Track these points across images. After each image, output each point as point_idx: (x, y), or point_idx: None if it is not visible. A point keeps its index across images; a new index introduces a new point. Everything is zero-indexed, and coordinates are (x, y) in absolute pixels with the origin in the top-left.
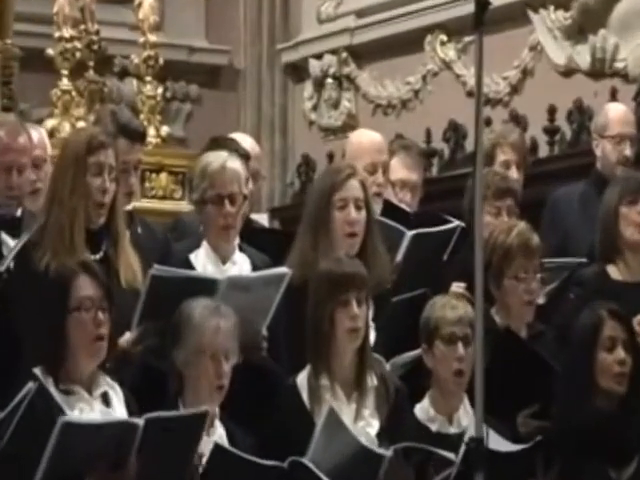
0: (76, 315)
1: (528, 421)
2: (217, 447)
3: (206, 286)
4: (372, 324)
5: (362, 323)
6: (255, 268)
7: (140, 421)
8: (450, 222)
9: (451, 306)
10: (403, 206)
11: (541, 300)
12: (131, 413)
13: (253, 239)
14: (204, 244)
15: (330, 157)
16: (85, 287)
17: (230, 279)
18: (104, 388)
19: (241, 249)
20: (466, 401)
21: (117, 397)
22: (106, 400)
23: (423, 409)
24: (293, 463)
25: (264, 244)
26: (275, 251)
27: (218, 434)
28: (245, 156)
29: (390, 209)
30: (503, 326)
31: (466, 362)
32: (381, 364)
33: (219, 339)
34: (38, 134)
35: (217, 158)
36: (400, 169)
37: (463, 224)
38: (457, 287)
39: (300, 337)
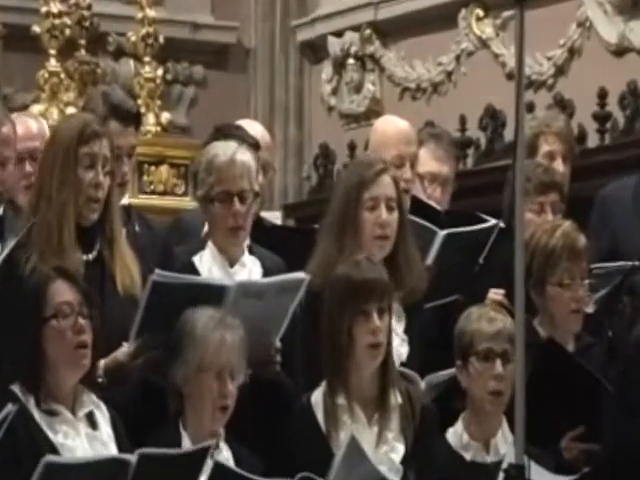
0: (53, 323)
1: (573, 445)
2: (217, 466)
3: (213, 293)
4: (405, 337)
5: (384, 337)
6: (267, 272)
7: (132, 457)
8: (486, 221)
9: (488, 318)
10: (433, 204)
11: (590, 309)
12: (118, 435)
13: (263, 238)
14: (209, 245)
15: (351, 148)
16: (62, 292)
17: (240, 285)
18: (89, 407)
19: (251, 251)
20: (505, 425)
21: (103, 417)
22: (92, 421)
23: (456, 434)
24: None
25: (276, 244)
26: (289, 251)
27: (223, 457)
28: (254, 145)
29: (418, 207)
30: (547, 337)
31: (505, 381)
32: (415, 381)
33: (224, 355)
34: (38, 124)
35: (225, 150)
36: (429, 161)
37: (502, 223)
38: (495, 294)
39: (320, 350)
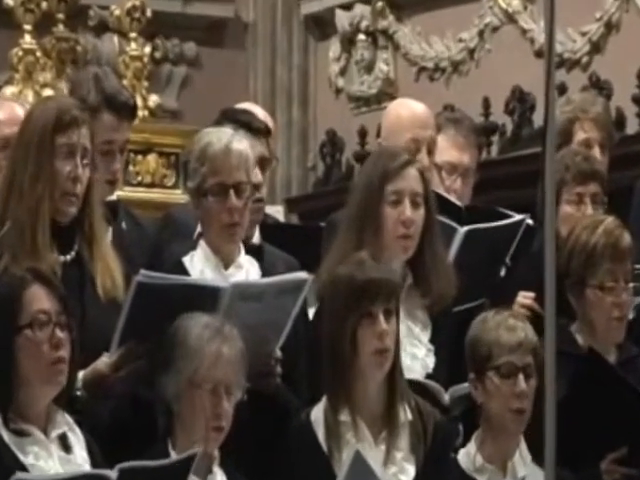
0: (28, 333)
1: (615, 468)
2: None
3: (206, 296)
4: (431, 347)
5: (391, 342)
6: (268, 274)
7: (112, 473)
8: (511, 218)
9: (507, 326)
10: (452, 198)
11: (630, 315)
12: (94, 462)
13: (266, 237)
14: (202, 244)
15: (362, 134)
16: (39, 299)
17: (236, 286)
18: (62, 429)
19: (261, 251)
20: (523, 445)
21: (77, 441)
22: (65, 444)
23: (469, 456)
24: None
25: (280, 245)
26: (292, 252)
27: None
28: (264, 131)
29: (437, 202)
30: (586, 347)
31: (528, 399)
32: (439, 393)
33: (220, 370)
34: (24, 109)
35: (220, 137)
36: (448, 149)
37: (529, 219)
38: (524, 298)
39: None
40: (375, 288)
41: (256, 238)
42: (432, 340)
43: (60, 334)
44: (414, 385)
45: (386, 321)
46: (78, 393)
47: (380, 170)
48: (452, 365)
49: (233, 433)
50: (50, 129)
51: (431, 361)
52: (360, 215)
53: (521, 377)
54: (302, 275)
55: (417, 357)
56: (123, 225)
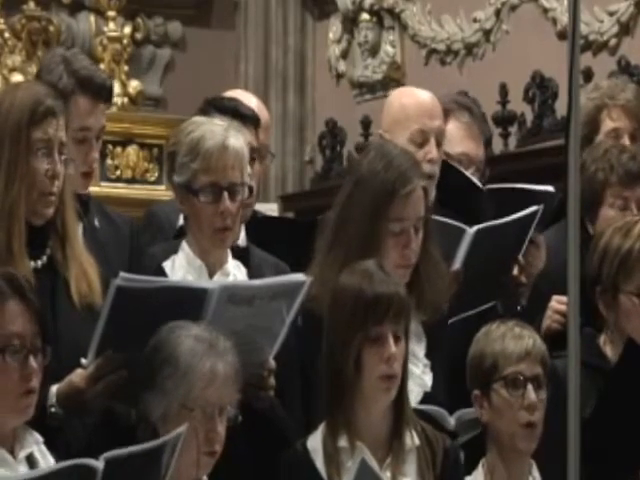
0: None
1: None
2: None
3: (192, 299)
4: (427, 362)
5: (400, 366)
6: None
7: (99, 464)
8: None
9: (513, 335)
10: (474, 179)
11: None
12: None
13: (256, 235)
14: (184, 248)
15: (365, 124)
16: (14, 318)
17: (224, 289)
18: (31, 448)
19: (245, 253)
20: (535, 470)
21: (45, 461)
22: (32, 464)
23: None
24: None
25: (273, 242)
26: (289, 251)
27: None
28: (254, 121)
29: (453, 179)
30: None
31: (538, 412)
32: (442, 418)
33: (215, 391)
34: None
35: (214, 131)
36: (464, 139)
37: (540, 207)
38: (558, 303)
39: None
40: (385, 305)
41: (242, 240)
42: (428, 355)
43: (33, 363)
44: (415, 413)
45: (395, 344)
46: (53, 409)
47: (386, 189)
48: (452, 379)
49: (224, 457)
50: (24, 123)
51: (428, 378)
52: (361, 234)
53: (530, 388)
54: (299, 277)
55: (413, 374)
56: (96, 222)
